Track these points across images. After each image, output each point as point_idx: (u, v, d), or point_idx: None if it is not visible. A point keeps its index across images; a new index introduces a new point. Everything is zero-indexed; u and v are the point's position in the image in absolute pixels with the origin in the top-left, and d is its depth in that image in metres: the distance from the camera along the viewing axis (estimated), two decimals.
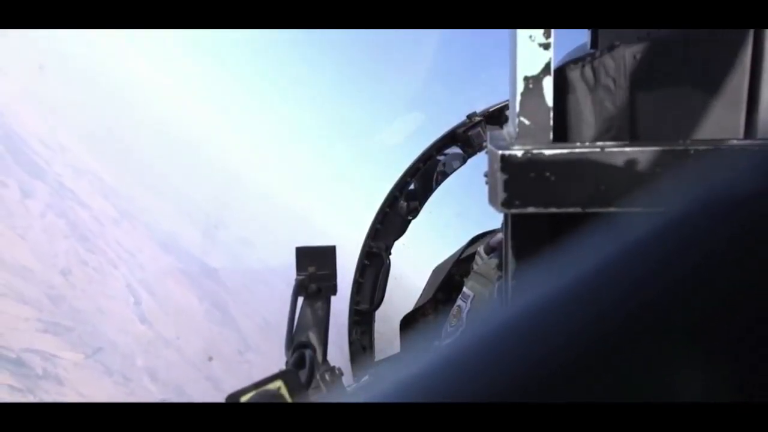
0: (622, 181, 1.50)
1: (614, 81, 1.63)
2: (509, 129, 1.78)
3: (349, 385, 3.34)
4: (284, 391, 1.74)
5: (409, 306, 4.22)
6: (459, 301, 2.85)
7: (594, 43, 1.89)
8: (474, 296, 2.75)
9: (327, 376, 2.77)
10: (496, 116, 3.73)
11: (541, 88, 1.57)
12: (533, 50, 1.55)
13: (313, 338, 2.80)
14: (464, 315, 2.75)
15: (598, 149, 1.53)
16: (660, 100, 1.64)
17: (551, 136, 1.58)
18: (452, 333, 2.79)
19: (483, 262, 3.03)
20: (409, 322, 4.10)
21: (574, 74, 1.66)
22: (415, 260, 4.77)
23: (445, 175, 3.94)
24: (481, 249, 3.24)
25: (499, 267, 2.59)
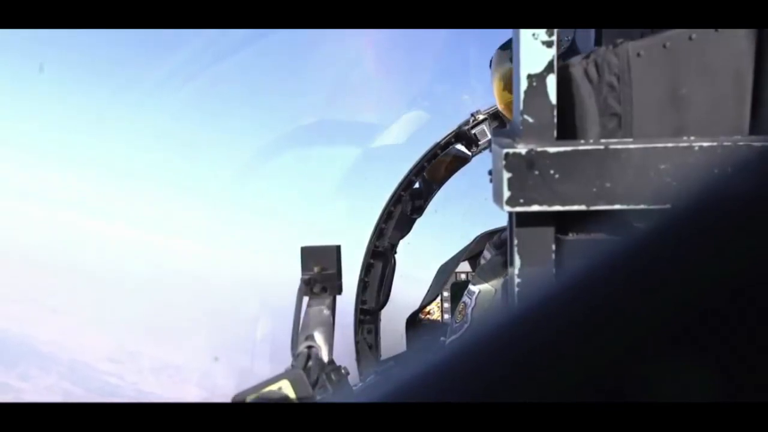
0: (627, 178, 1.49)
1: (618, 78, 1.63)
2: (513, 127, 1.77)
3: (356, 384, 3.35)
4: (290, 391, 1.74)
5: (414, 305, 4.22)
6: (464, 298, 2.84)
7: (597, 40, 1.89)
8: (479, 293, 2.75)
9: (333, 376, 2.76)
10: (500, 114, 3.73)
11: (544, 86, 1.56)
12: (536, 48, 1.55)
13: (319, 338, 2.79)
14: (469, 311, 2.75)
15: (602, 146, 1.53)
16: (664, 97, 1.63)
17: (555, 133, 1.58)
18: (457, 329, 2.79)
19: (490, 258, 3.02)
20: (414, 321, 4.10)
21: (577, 71, 1.65)
22: (421, 259, 4.77)
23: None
24: (489, 244, 3.23)
25: (505, 265, 2.59)
